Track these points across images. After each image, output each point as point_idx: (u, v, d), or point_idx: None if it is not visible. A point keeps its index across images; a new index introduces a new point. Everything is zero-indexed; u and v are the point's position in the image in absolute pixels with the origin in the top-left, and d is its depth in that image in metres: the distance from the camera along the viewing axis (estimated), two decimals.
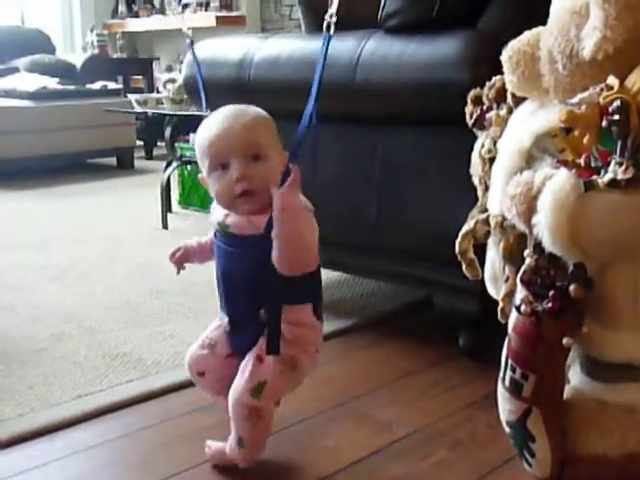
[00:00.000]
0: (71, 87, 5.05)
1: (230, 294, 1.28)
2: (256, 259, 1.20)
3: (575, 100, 1.08)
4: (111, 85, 5.34)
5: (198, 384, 1.37)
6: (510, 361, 1.19)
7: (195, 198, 3.59)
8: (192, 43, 1.46)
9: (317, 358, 1.30)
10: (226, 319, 1.29)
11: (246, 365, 1.25)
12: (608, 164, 1.06)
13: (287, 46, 1.99)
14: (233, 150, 1.18)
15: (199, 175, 1.27)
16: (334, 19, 1.24)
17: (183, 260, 1.35)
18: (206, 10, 5.89)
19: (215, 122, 1.22)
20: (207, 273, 1.34)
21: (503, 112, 1.34)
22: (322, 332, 1.30)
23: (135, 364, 1.78)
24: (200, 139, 1.23)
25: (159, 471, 1.34)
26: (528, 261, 1.17)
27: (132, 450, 1.44)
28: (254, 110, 1.24)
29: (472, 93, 1.42)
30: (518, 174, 1.17)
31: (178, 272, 1.37)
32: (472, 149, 1.41)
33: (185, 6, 5.96)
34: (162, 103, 3.84)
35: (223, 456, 1.34)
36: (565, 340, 1.13)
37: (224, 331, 1.31)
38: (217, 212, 1.27)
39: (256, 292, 1.23)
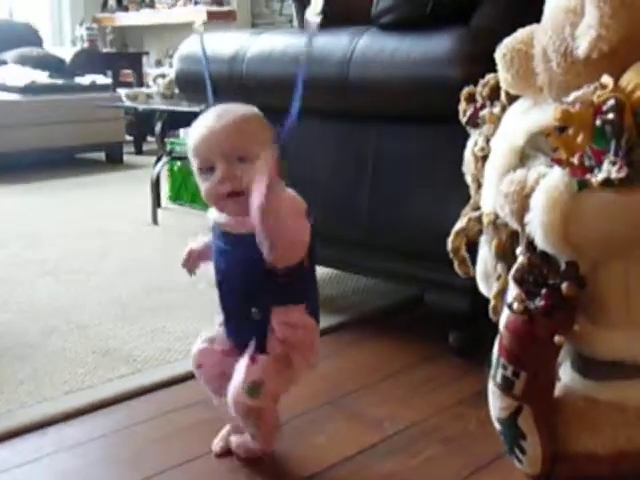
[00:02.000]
0: (60, 81, 5.03)
1: (225, 291, 1.28)
2: (247, 258, 1.21)
3: (569, 99, 1.08)
4: (100, 80, 5.32)
5: (198, 377, 1.37)
6: (501, 358, 1.19)
7: (185, 194, 3.58)
8: (202, 38, 1.43)
9: (313, 358, 1.30)
10: (222, 315, 1.30)
11: (241, 365, 1.26)
12: (602, 163, 1.06)
13: (280, 42, 1.98)
14: (215, 153, 1.18)
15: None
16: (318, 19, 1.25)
17: (196, 264, 1.36)
18: (196, 4, 5.88)
19: (201, 124, 1.22)
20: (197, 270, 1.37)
21: (496, 110, 1.35)
22: (318, 332, 1.30)
23: (126, 360, 1.78)
24: (190, 139, 1.22)
25: (150, 467, 1.34)
26: (520, 259, 1.17)
27: (123, 446, 1.44)
28: (241, 110, 1.23)
29: (465, 91, 1.42)
30: (511, 172, 1.17)
31: (191, 275, 1.38)
32: (465, 147, 1.42)
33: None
34: (152, 98, 3.82)
35: (248, 448, 1.35)
36: (557, 338, 1.13)
37: (219, 326, 1.32)
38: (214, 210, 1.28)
39: (247, 291, 1.25)
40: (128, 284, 2.32)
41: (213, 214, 1.28)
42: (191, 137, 1.22)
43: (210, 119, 1.21)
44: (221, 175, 1.17)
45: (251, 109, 1.24)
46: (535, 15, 1.24)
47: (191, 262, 1.36)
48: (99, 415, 1.54)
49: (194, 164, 1.22)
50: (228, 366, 1.29)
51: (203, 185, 1.21)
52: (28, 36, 5.64)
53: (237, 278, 1.25)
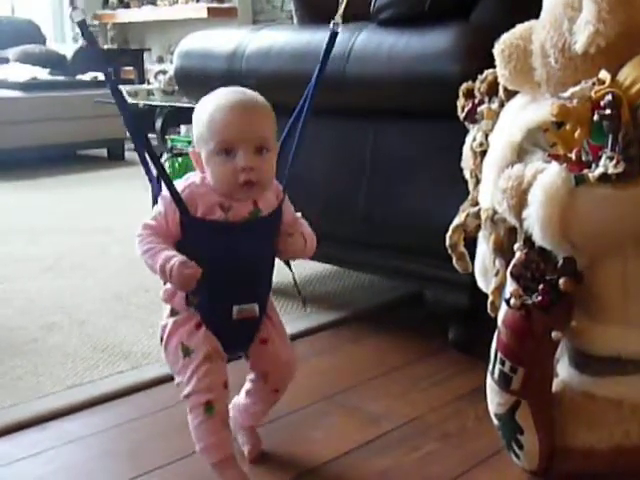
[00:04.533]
0: (61, 78, 5.03)
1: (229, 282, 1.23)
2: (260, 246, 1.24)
3: (567, 94, 1.08)
4: (101, 76, 5.31)
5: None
6: (499, 354, 1.20)
7: None
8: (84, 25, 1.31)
9: None
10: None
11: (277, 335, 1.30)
12: (599, 158, 1.06)
13: (280, 38, 1.98)
14: (243, 139, 1.15)
15: (190, 148, 1.23)
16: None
17: None
18: (197, 1, 5.88)
19: (227, 105, 1.17)
20: None
21: (495, 106, 1.35)
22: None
23: (125, 355, 1.78)
24: (208, 119, 1.17)
25: (150, 461, 1.34)
26: (518, 255, 1.17)
27: (123, 440, 1.44)
28: (262, 99, 1.21)
29: (464, 86, 1.43)
30: (509, 168, 1.17)
31: None
32: (464, 142, 1.42)
33: None
34: (153, 94, 3.83)
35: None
36: (554, 333, 1.14)
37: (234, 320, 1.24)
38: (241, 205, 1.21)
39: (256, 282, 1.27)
40: (129, 280, 2.32)
41: (202, 210, 1.18)
42: (210, 116, 1.17)
43: (235, 102, 1.17)
44: (244, 164, 1.14)
45: (265, 100, 1.22)
46: (534, 11, 1.24)
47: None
48: (99, 410, 1.55)
49: (208, 144, 1.17)
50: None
51: (218, 167, 1.16)
52: (30, 33, 5.64)
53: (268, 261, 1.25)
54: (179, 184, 1.19)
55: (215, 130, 1.16)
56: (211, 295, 1.19)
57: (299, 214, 1.30)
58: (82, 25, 1.16)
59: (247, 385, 1.34)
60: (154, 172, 1.22)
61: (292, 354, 1.31)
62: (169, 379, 1.63)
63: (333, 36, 1.33)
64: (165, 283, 1.21)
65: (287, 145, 1.30)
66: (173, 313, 1.23)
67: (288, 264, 1.32)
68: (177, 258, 1.13)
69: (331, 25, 1.33)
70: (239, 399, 1.36)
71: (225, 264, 1.19)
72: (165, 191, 1.19)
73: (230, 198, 1.18)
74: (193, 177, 1.21)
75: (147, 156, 1.22)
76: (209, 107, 1.18)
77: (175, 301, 1.23)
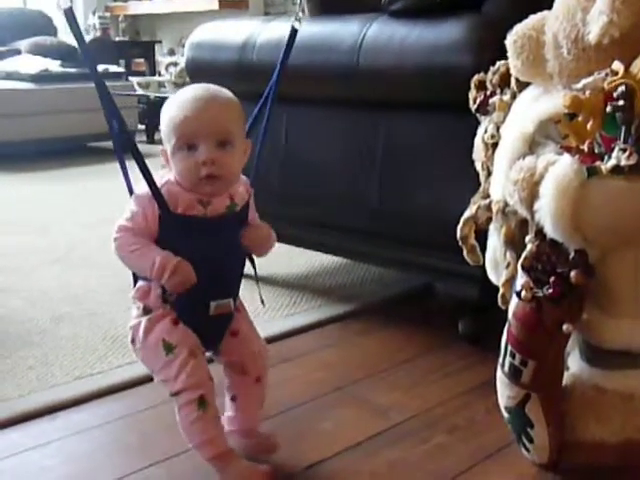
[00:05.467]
0: (73, 70, 5.03)
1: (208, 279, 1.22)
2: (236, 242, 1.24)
3: (579, 85, 1.07)
4: (113, 68, 5.32)
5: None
6: (510, 347, 1.19)
7: None
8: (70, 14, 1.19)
9: None
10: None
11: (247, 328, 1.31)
12: (612, 150, 1.05)
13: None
14: (203, 133, 1.15)
15: (161, 148, 1.23)
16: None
17: None
18: None
19: (187, 101, 1.17)
20: None
21: (507, 97, 1.34)
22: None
23: None
24: (169, 115, 1.18)
25: (159, 452, 1.34)
26: (529, 247, 1.17)
27: (132, 431, 1.44)
28: (227, 94, 1.21)
29: (476, 78, 1.42)
30: (521, 160, 1.16)
31: None
32: (475, 134, 1.41)
33: None
34: (164, 86, 3.83)
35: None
36: (565, 326, 1.13)
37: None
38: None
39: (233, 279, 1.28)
40: None
41: (182, 207, 1.18)
42: (171, 113, 1.18)
43: (196, 99, 1.17)
44: (204, 157, 1.15)
45: (232, 95, 1.22)
46: (547, 2, 1.23)
47: None
48: (108, 401, 1.55)
49: (171, 140, 1.18)
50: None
51: (181, 163, 1.17)
52: (41, 24, 5.66)
53: (227, 264, 1.24)
54: (157, 182, 1.20)
55: (175, 126, 1.17)
56: (190, 291, 1.17)
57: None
58: (69, 14, 1.13)
59: (228, 393, 1.34)
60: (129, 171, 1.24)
61: (262, 344, 1.32)
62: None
63: (293, 33, 1.35)
64: (148, 280, 1.20)
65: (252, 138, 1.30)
66: (146, 311, 1.22)
67: (252, 261, 1.32)
68: (177, 257, 1.15)
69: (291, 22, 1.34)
70: (227, 413, 1.35)
71: (205, 260, 1.18)
72: (140, 190, 1.20)
73: (200, 194, 1.18)
74: (168, 175, 1.21)
75: (127, 153, 1.24)
76: (172, 104, 1.19)
77: (150, 299, 1.22)
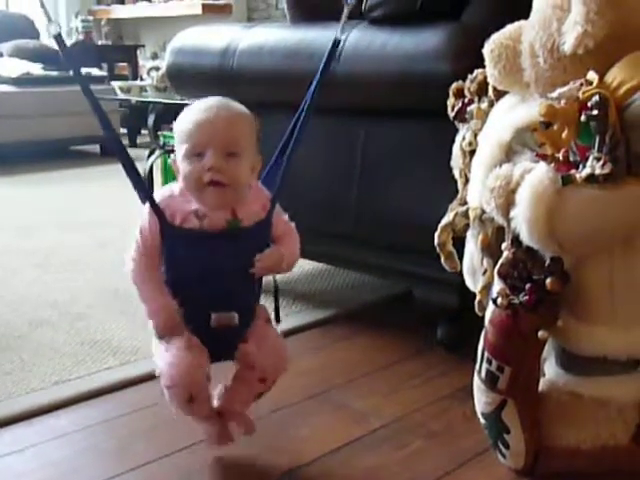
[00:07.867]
0: (55, 73, 5.01)
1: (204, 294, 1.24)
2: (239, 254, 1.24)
3: (555, 94, 1.08)
4: (95, 72, 5.30)
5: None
6: (486, 353, 1.20)
7: None
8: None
9: None
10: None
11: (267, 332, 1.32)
12: (586, 159, 1.07)
13: (271, 36, 1.98)
14: (212, 142, 1.17)
15: (170, 158, 1.26)
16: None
17: None
18: None
19: (199, 111, 1.21)
20: None
21: (484, 105, 1.35)
22: None
23: (114, 351, 1.78)
24: (182, 125, 1.21)
25: (137, 457, 1.34)
26: (506, 254, 1.18)
27: (110, 436, 1.44)
28: (240, 107, 1.24)
29: (454, 86, 1.43)
30: (497, 167, 1.17)
31: None
32: (453, 141, 1.42)
33: None
34: (146, 91, 3.82)
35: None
36: (541, 333, 1.14)
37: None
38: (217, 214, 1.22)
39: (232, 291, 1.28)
40: (119, 276, 2.30)
41: (179, 219, 1.20)
42: (184, 121, 1.21)
43: (208, 109, 1.20)
44: (210, 163, 1.17)
45: (245, 109, 1.24)
46: (525, 11, 1.24)
47: None
48: (86, 406, 1.54)
49: (181, 149, 1.20)
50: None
51: (186, 168, 1.19)
52: (24, 28, 5.62)
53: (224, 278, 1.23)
54: (159, 193, 1.24)
55: (186, 135, 1.20)
56: (188, 301, 1.21)
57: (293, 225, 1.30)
58: (58, 39, 1.25)
59: (234, 373, 1.33)
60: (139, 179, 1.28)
61: (283, 346, 1.30)
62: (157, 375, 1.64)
63: (336, 43, 1.39)
64: None
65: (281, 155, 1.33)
66: None
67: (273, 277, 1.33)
68: (167, 312, 1.21)
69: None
70: (225, 383, 1.33)
71: (200, 272, 1.21)
72: (145, 203, 1.23)
73: (203, 204, 1.20)
74: (174, 186, 1.24)
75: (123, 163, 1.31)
76: (185, 114, 1.22)
77: None
